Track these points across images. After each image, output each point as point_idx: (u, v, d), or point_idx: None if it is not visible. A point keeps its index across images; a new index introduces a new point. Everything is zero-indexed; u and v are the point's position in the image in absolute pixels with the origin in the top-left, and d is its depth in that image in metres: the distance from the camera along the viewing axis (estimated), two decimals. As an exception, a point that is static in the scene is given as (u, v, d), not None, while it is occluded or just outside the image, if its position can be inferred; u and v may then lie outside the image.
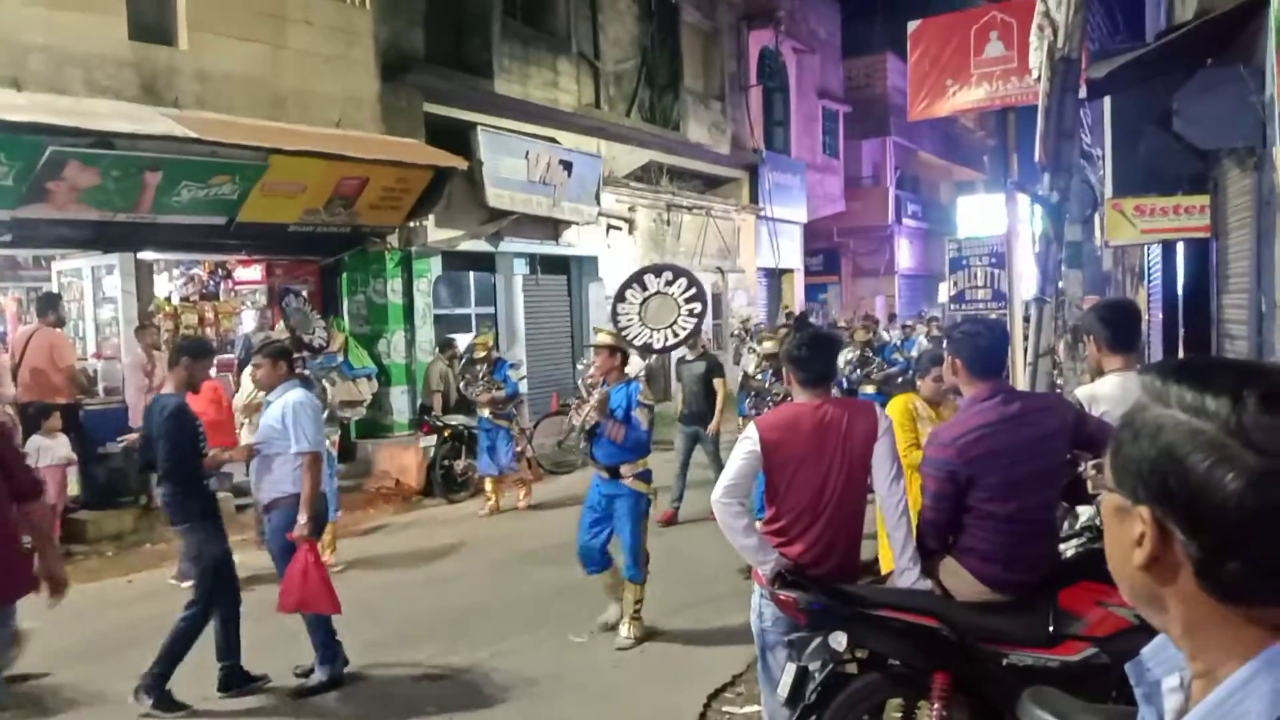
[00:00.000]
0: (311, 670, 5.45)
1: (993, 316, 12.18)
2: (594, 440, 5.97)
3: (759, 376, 8.70)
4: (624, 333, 6.26)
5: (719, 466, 8.94)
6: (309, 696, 5.31)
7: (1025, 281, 9.51)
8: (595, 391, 6.04)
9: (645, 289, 6.37)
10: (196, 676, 5.25)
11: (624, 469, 5.94)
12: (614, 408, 5.90)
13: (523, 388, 11.62)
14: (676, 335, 6.26)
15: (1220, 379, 0.91)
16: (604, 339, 6.28)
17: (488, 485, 10.10)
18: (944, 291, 13.68)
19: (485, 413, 9.98)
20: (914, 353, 12.60)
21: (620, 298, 6.43)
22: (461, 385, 10.64)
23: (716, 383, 9.30)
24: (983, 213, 20.86)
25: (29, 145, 7.92)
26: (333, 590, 5.32)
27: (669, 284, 6.34)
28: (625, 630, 6.02)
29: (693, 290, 6.32)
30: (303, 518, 5.23)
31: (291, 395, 5.50)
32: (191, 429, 5.27)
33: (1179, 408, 0.92)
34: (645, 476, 6.02)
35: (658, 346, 6.35)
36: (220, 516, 5.51)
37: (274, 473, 5.42)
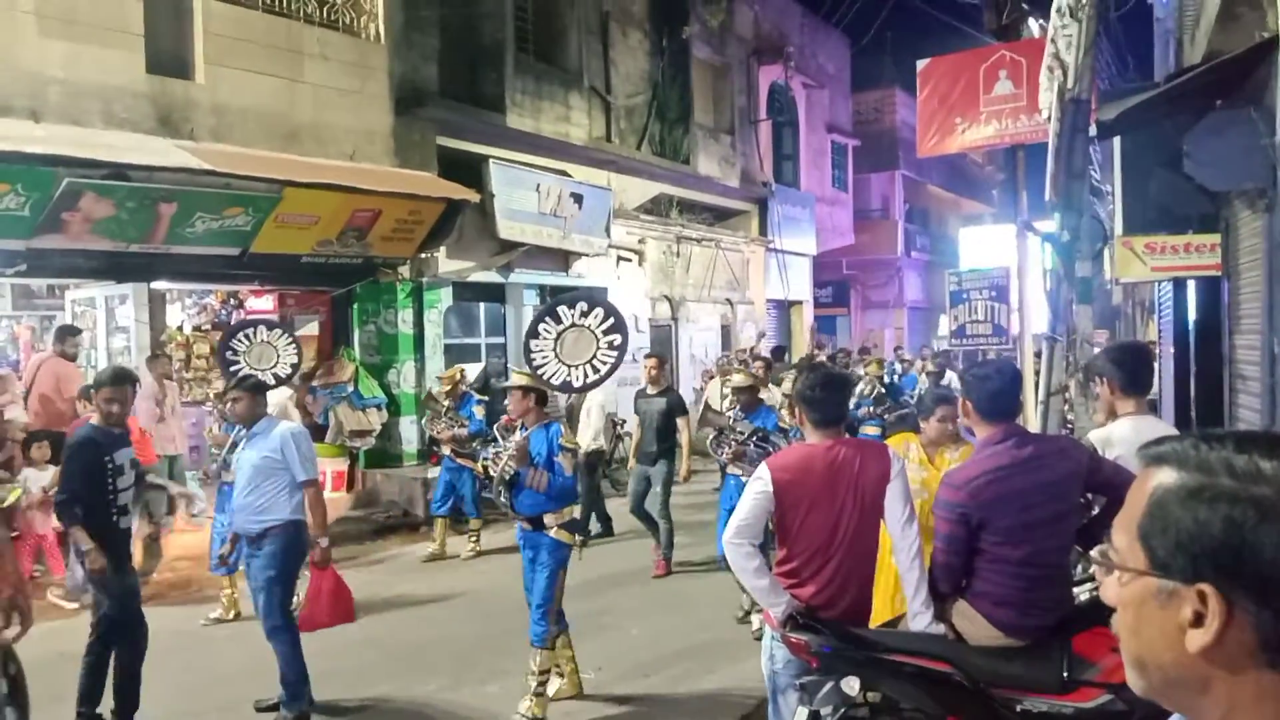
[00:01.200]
0: (276, 706, 5.48)
1: (991, 354, 12.04)
2: (514, 491, 5.52)
3: (728, 413, 8.02)
4: (540, 371, 5.80)
5: (667, 516, 8.63)
6: None
7: (1033, 316, 9.50)
8: (512, 437, 5.64)
9: (560, 322, 5.87)
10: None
11: (547, 519, 5.51)
12: (535, 454, 5.47)
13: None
14: (597, 370, 5.77)
15: (1265, 444, 0.90)
16: (517, 379, 5.81)
17: (436, 526, 9.59)
18: (944, 325, 13.39)
19: (447, 451, 9.54)
20: (915, 391, 12.47)
21: (534, 333, 5.90)
22: (423, 422, 10.22)
23: (680, 421, 8.73)
24: (987, 245, 20.80)
25: (45, 176, 8.00)
26: (351, 601, 6.03)
27: (584, 315, 5.85)
28: (524, 708, 5.38)
29: (610, 321, 5.84)
30: (323, 541, 5.60)
31: (284, 426, 5.72)
32: (91, 462, 5.12)
33: (1231, 477, 0.90)
34: (572, 526, 5.62)
35: (577, 384, 5.87)
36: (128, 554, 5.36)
37: (266, 502, 5.49)
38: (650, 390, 8.90)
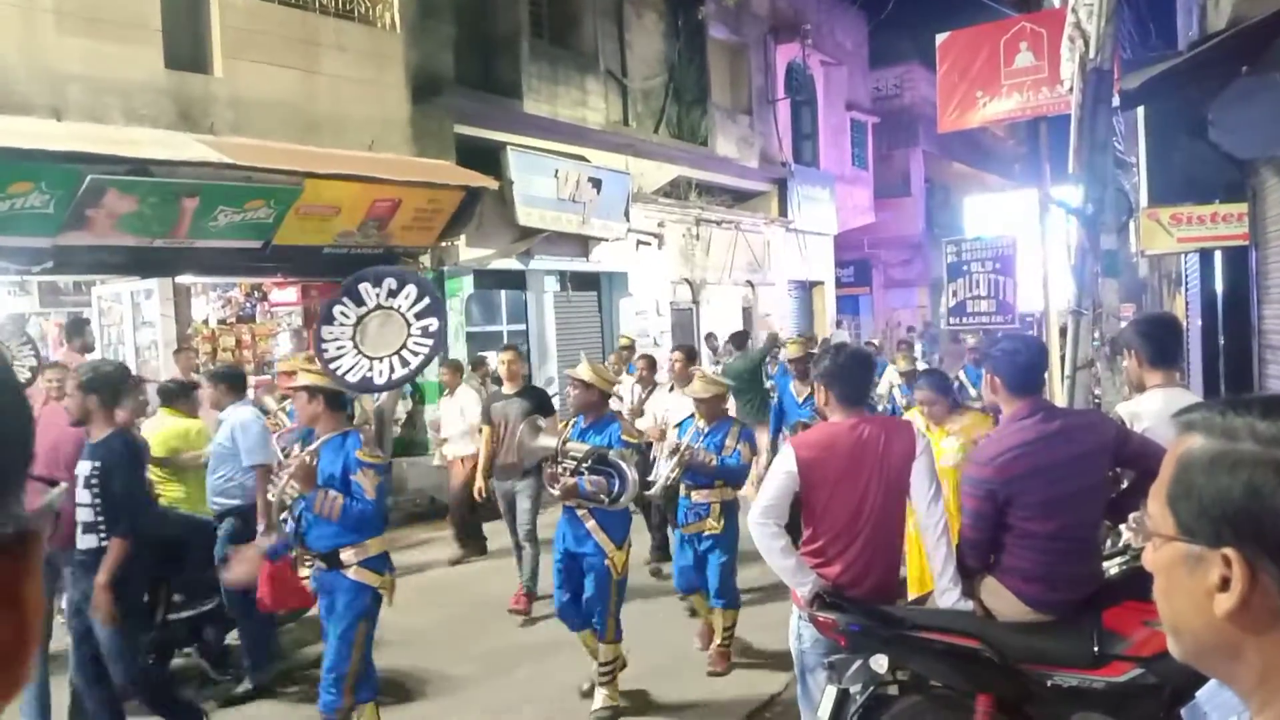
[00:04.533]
0: (242, 677, 5.75)
1: (998, 334, 11.14)
2: (300, 519, 4.57)
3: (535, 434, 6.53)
4: (333, 365, 4.64)
5: (534, 541, 7.26)
6: (237, 704, 5.57)
7: (1055, 291, 9.37)
8: (294, 452, 4.68)
9: (362, 304, 4.81)
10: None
11: (345, 554, 4.47)
12: (327, 473, 4.45)
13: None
14: (406, 364, 4.70)
15: None
16: (303, 376, 4.64)
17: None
18: (944, 303, 12.17)
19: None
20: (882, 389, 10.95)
21: (328, 318, 4.83)
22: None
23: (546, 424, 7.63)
24: (996, 214, 18.53)
25: (69, 174, 8.06)
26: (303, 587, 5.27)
27: (392, 295, 4.80)
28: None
29: (425, 301, 4.79)
30: (259, 526, 5.34)
31: (237, 414, 5.96)
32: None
33: (1254, 441, 0.90)
34: (376, 564, 4.53)
35: (380, 381, 4.73)
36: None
37: (222, 485, 5.88)
38: (507, 390, 7.55)
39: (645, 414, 8.05)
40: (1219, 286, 9.57)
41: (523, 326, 14.35)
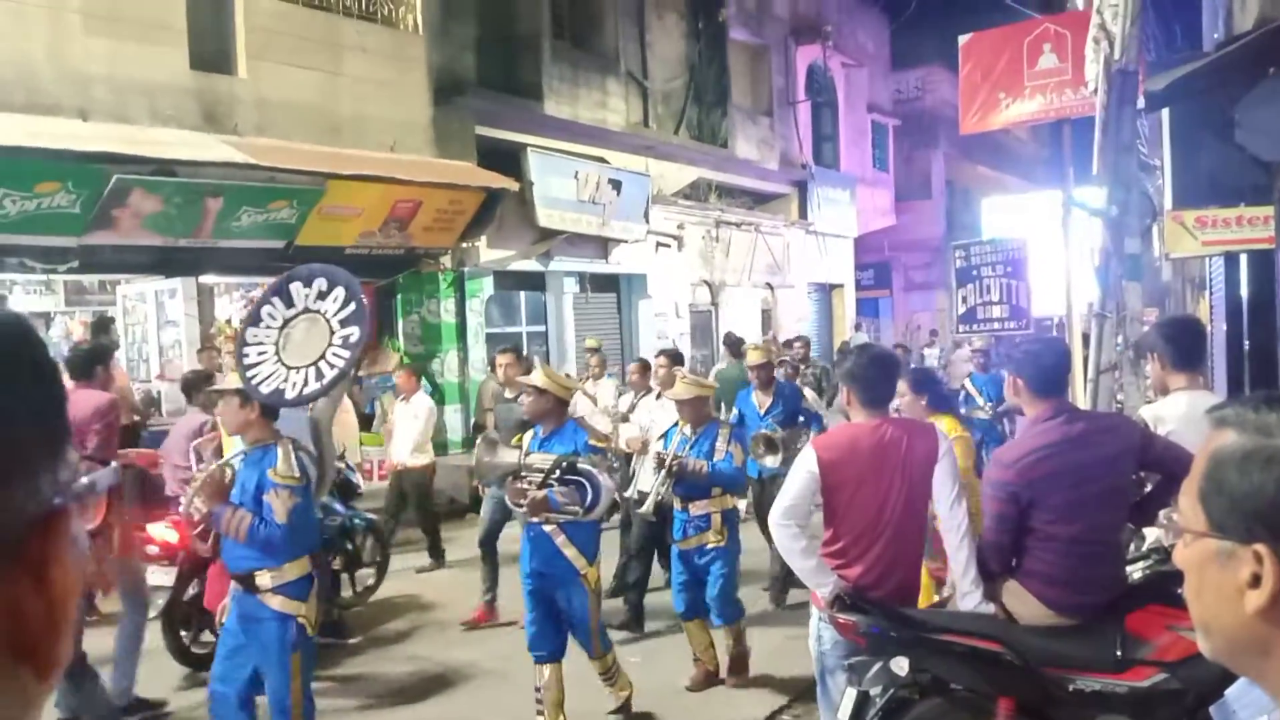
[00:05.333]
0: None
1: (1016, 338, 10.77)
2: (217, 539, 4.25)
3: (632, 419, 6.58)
4: (250, 374, 4.23)
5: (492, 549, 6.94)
6: None
7: (1076, 294, 9.28)
8: (204, 465, 4.45)
9: (291, 304, 4.38)
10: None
11: (261, 578, 4.12)
12: (243, 489, 4.12)
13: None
14: (321, 376, 4.19)
15: None
16: (234, 379, 4.35)
17: None
18: (954, 309, 11.52)
19: None
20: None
21: (255, 318, 4.44)
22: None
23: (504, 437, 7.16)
24: (1014, 216, 17.95)
25: (95, 174, 8.15)
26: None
27: (322, 296, 4.36)
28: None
29: (351, 307, 4.31)
30: None
31: None
32: None
33: None
34: (296, 590, 4.15)
35: (290, 394, 4.20)
36: None
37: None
38: (508, 394, 7.37)
39: (630, 422, 7.73)
40: (1244, 290, 9.47)
41: (542, 328, 14.38)
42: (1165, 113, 9.79)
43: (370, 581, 7.54)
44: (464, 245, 12.01)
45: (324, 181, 9.61)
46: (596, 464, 4.79)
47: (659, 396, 7.09)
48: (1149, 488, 3.78)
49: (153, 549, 5.84)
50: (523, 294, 14.21)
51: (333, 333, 4.26)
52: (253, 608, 4.14)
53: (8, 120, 7.91)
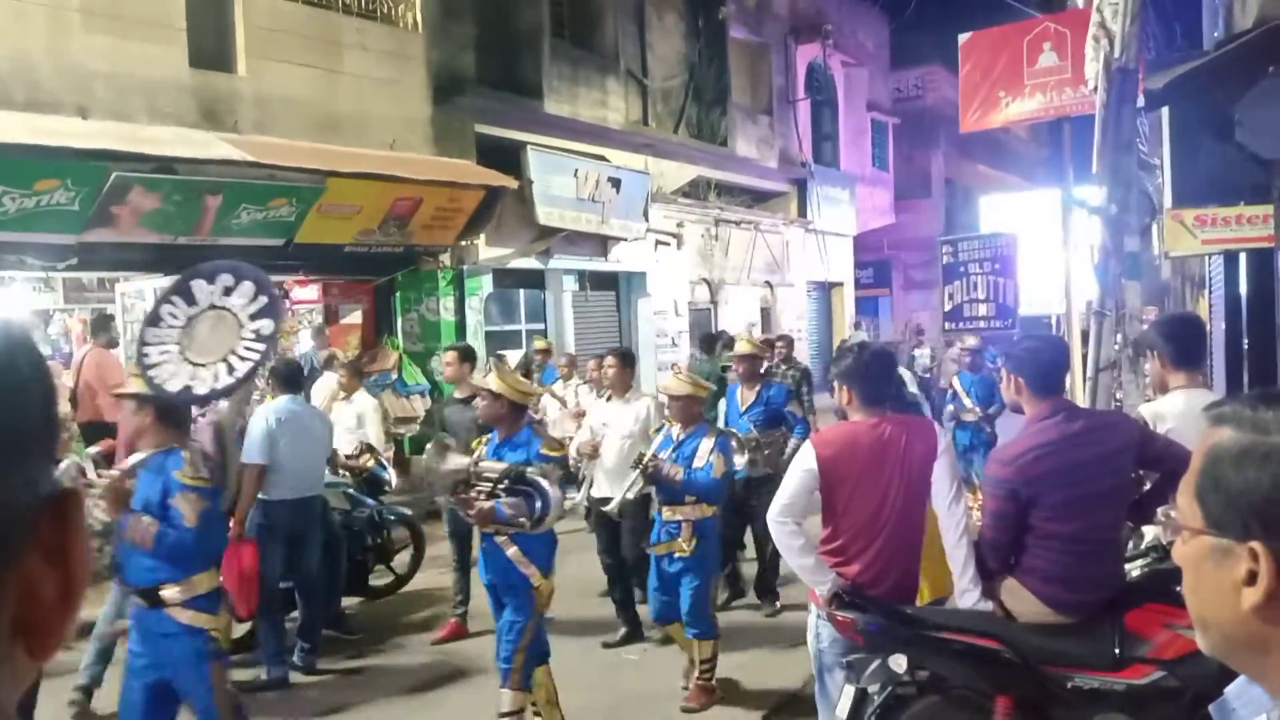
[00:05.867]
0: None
1: (967, 340, 9.93)
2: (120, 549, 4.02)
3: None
4: (153, 373, 3.99)
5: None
6: (255, 693, 5.59)
7: (1075, 292, 9.26)
8: (109, 471, 4.25)
9: (194, 302, 4.17)
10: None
11: (167, 592, 3.90)
12: (145, 497, 3.91)
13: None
14: (232, 371, 4.01)
15: None
16: (132, 383, 4.17)
17: None
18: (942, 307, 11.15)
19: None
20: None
21: (154, 319, 4.17)
22: None
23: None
24: (1013, 214, 17.47)
25: (94, 171, 8.14)
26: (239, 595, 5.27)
27: (228, 293, 4.18)
28: None
29: (261, 300, 4.18)
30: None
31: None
32: None
33: None
34: (206, 603, 3.98)
35: (201, 390, 4.02)
36: None
37: None
38: (458, 394, 6.86)
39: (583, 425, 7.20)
40: (1243, 289, 9.48)
41: (541, 326, 14.38)
42: (1165, 111, 9.80)
43: (402, 572, 7.63)
44: (463, 243, 12.00)
45: (323, 179, 9.60)
46: (548, 473, 4.54)
47: (609, 399, 6.55)
48: (1148, 485, 3.78)
49: None
50: (522, 292, 14.21)
51: (242, 326, 4.08)
52: (159, 624, 3.91)
53: (7, 117, 7.90)
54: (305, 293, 12.46)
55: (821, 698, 3.90)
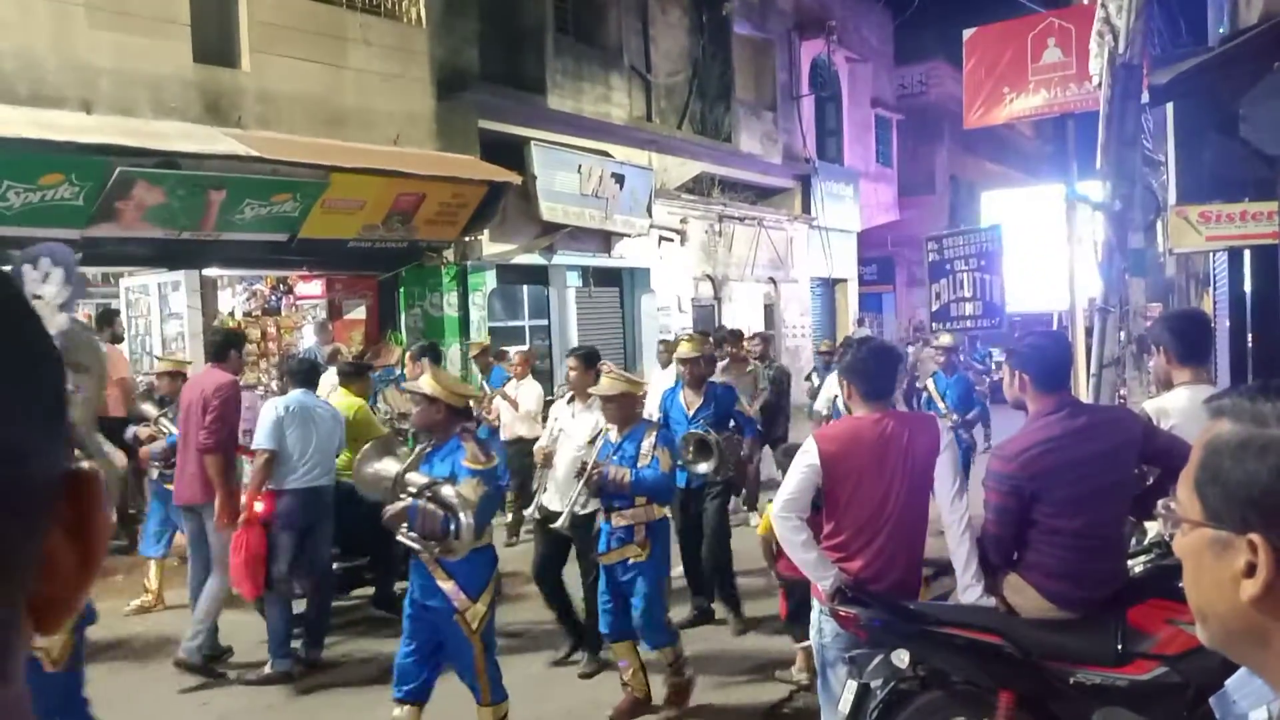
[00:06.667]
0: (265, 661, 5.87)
1: (942, 339, 9.38)
2: None
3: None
4: None
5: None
6: (261, 685, 5.71)
7: (1079, 289, 9.23)
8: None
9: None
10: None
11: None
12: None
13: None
14: None
15: None
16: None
17: (151, 572, 7.17)
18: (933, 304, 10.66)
19: (154, 473, 7.01)
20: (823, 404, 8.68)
21: None
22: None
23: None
24: (1016, 209, 17.56)
25: (98, 166, 8.15)
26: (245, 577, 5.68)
27: (45, 279, 3.92)
28: None
29: (68, 293, 3.94)
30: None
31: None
32: None
33: None
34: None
35: None
36: None
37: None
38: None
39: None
40: (1247, 285, 9.46)
41: (544, 322, 14.39)
42: (1170, 107, 9.78)
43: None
44: (467, 239, 12.00)
45: (327, 174, 9.61)
46: (463, 495, 4.08)
47: (570, 400, 6.02)
48: (1151, 481, 3.77)
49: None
50: (525, 288, 14.21)
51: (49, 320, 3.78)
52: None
53: (12, 112, 7.92)
54: (309, 288, 12.48)
55: (824, 693, 3.90)
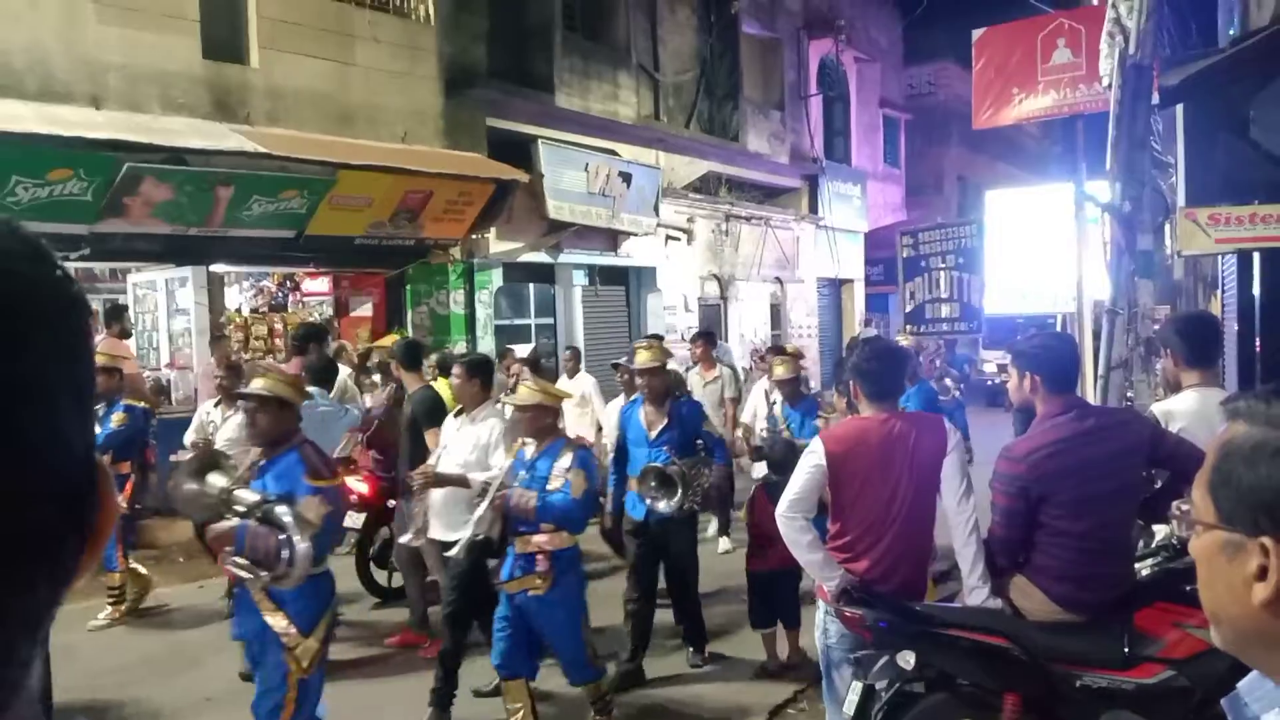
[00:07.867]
0: None
1: (913, 342, 8.82)
2: None
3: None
4: None
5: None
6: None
7: (1088, 290, 9.21)
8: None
9: None
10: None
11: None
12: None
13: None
14: None
15: None
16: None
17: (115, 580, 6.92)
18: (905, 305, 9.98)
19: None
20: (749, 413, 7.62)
21: None
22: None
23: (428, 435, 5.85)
24: (1022, 209, 17.26)
25: (107, 161, 8.17)
26: None
27: None
28: None
29: None
30: None
31: None
32: None
33: None
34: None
35: None
36: None
37: None
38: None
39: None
40: (1256, 289, 9.41)
41: (550, 320, 14.39)
42: (1179, 109, 9.73)
43: None
44: (474, 236, 12.01)
45: (335, 171, 9.62)
46: (300, 515, 3.60)
47: (457, 414, 5.47)
48: (1159, 484, 3.76)
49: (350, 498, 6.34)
50: (532, 286, 14.21)
51: None
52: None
53: (21, 107, 7.94)
54: (316, 285, 12.50)
55: (829, 694, 3.90)
